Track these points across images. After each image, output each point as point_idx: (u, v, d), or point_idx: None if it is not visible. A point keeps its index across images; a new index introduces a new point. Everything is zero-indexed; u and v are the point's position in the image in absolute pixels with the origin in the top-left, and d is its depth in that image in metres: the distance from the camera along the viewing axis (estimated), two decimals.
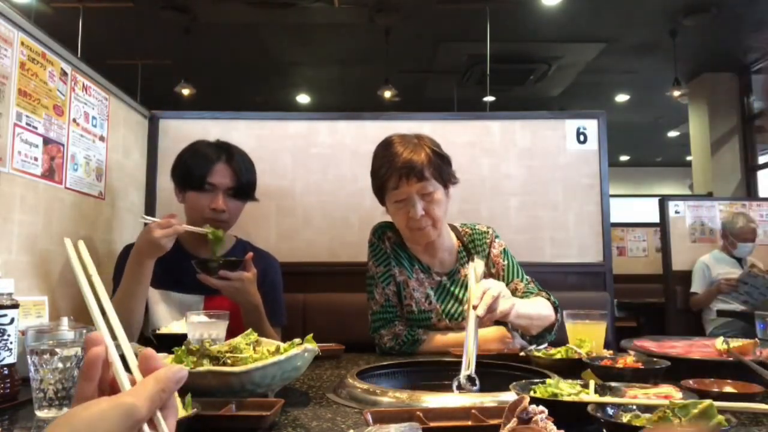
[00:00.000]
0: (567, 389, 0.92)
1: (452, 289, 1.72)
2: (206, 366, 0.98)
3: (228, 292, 1.61)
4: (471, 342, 1.20)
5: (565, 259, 2.40)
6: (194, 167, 1.74)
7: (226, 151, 1.79)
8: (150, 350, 0.50)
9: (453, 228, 1.81)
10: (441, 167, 1.64)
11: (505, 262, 1.75)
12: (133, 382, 0.48)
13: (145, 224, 1.61)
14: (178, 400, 0.49)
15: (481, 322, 1.32)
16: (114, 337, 0.53)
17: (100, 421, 0.41)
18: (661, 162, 12.20)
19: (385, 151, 1.66)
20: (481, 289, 1.33)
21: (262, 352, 1.08)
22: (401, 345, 1.63)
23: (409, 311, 1.70)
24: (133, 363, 0.50)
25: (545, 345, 1.53)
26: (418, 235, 1.66)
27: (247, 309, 1.64)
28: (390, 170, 1.61)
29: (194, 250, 1.78)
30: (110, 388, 0.49)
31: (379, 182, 1.66)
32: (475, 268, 1.42)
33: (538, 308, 1.57)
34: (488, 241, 1.78)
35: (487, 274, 1.74)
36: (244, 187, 1.80)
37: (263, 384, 0.99)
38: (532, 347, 1.45)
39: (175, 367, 0.48)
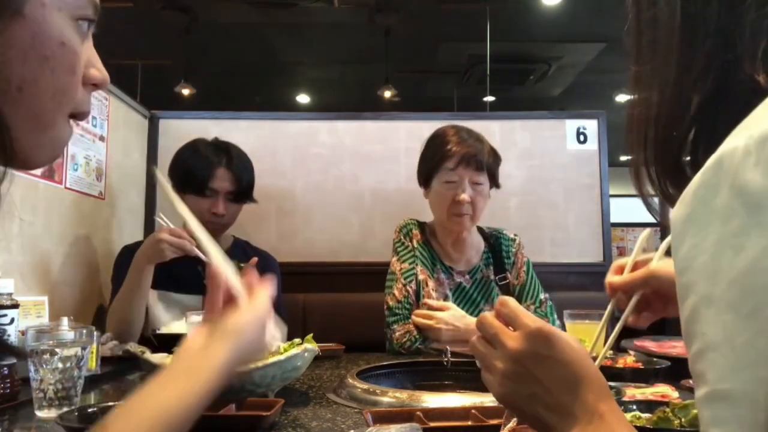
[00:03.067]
0: None
1: (471, 291, 1.73)
2: None
3: None
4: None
5: (565, 259, 2.40)
6: (195, 170, 1.73)
7: (226, 153, 1.78)
8: (251, 269, 0.72)
9: (479, 229, 1.83)
10: (496, 165, 1.73)
11: (526, 278, 1.77)
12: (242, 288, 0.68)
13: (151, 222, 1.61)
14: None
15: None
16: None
17: (249, 328, 0.65)
18: None
19: (447, 135, 1.71)
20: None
21: None
22: (412, 342, 1.62)
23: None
24: (235, 276, 0.69)
25: None
26: (455, 222, 1.69)
27: None
28: (451, 151, 1.66)
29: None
30: (227, 294, 0.68)
31: (436, 159, 1.69)
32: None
33: None
34: (514, 250, 1.81)
35: (513, 282, 1.76)
36: (244, 190, 1.80)
37: (263, 384, 0.99)
38: None
39: (267, 283, 0.70)
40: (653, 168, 0.51)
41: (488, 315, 0.62)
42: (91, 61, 0.59)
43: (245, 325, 0.65)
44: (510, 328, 0.60)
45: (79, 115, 0.59)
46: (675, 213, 0.39)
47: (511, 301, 0.61)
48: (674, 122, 0.49)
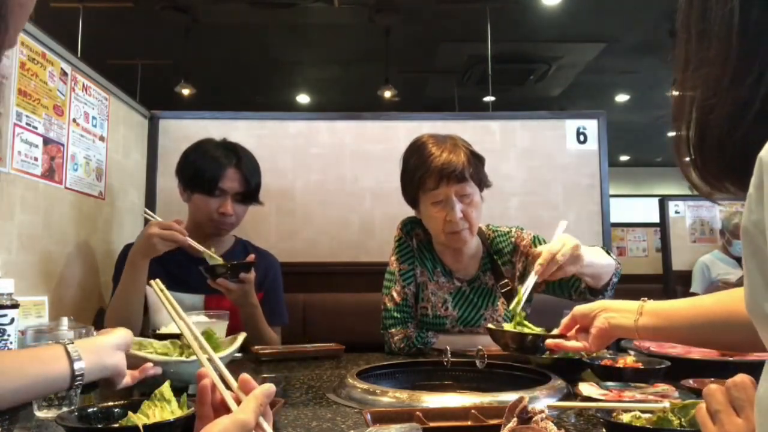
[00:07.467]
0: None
1: (471, 296, 1.69)
2: None
3: (236, 295, 1.60)
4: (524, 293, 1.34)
5: None
6: (204, 171, 1.73)
7: (235, 154, 1.78)
8: (246, 375, 0.65)
9: (479, 230, 1.74)
10: (479, 168, 1.62)
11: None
12: (236, 400, 0.63)
13: (147, 220, 1.61)
14: (268, 407, 0.63)
15: (554, 276, 1.35)
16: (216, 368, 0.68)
17: None
18: (661, 162, 12.19)
19: (421, 151, 1.60)
20: (549, 252, 1.33)
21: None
22: (410, 347, 1.62)
23: (424, 314, 1.68)
24: (233, 384, 0.65)
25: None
26: (452, 239, 1.61)
27: (248, 311, 1.64)
28: (428, 170, 1.55)
29: (195, 250, 1.77)
30: (220, 405, 0.63)
31: (415, 182, 1.60)
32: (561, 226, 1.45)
33: (599, 256, 1.48)
34: (513, 239, 1.71)
35: (520, 273, 1.66)
36: (252, 191, 1.80)
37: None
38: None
39: (266, 386, 0.63)
40: (704, 167, 0.54)
41: (718, 389, 0.63)
42: None
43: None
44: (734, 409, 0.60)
45: None
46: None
47: (747, 385, 0.61)
48: (733, 124, 0.51)
